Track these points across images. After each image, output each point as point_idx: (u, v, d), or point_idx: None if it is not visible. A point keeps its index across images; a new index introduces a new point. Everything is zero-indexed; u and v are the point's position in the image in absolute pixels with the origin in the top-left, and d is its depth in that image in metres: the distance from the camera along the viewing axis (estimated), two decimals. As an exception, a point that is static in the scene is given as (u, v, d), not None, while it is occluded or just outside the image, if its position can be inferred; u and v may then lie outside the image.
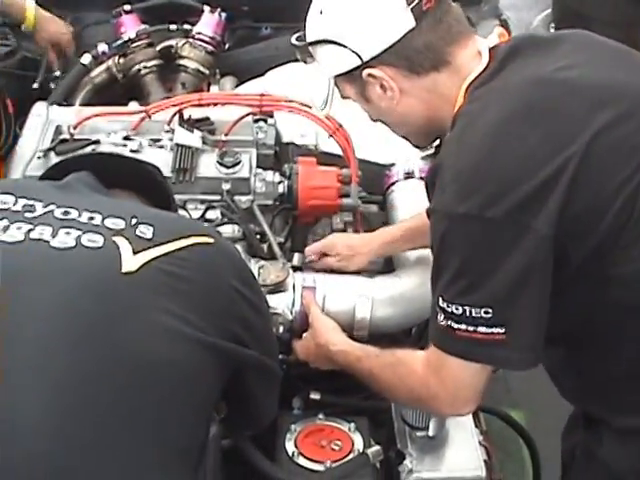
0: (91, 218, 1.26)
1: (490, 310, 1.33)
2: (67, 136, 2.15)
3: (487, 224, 1.31)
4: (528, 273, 1.32)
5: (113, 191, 1.44)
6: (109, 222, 1.26)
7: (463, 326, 1.36)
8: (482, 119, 1.38)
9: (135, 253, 1.23)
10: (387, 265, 2.04)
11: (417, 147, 1.71)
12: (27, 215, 1.25)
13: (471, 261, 1.35)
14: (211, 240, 1.35)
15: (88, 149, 2.10)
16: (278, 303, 1.81)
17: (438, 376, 1.44)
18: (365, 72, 1.49)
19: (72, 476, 1.07)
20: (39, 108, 2.30)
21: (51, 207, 1.27)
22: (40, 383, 1.09)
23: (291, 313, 1.82)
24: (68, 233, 1.22)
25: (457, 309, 1.36)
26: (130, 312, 1.19)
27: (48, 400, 1.09)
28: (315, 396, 1.79)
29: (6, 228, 1.22)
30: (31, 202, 1.28)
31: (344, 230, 2.13)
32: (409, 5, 1.44)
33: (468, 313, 1.35)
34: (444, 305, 1.38)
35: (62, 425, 1.08)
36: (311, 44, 1.56)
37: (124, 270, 1.20)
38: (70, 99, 2.63)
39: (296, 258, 2.02)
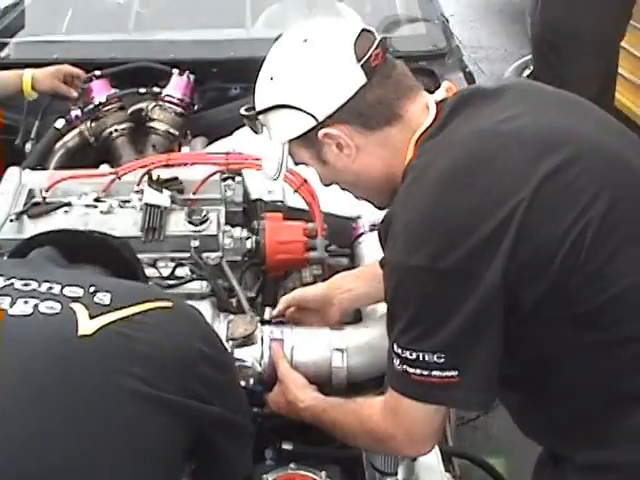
0: (50, 288, 1.30)
1: (443, 355, 1.37)
2: (39, 199, 2.18)
3: (437, 275, 1.35)
4: (479, 320, 1.35)
5: (78, 265, 1.49)
6: (67, 290, 1.30)
7: (418, 370, 1.40)
8: (429, 172, 1.41)
9: (92, 318, 1.26)
10: (355, 315, 2.08)
11: (379, 208, 1.70)
12: None
13: (423, 310, 1.38)
14: (169, 304, 1.38)
15: (70, 212, 2.14)
16: (247, 356, 1.83)
17: (395, 417, 1.48)
18: (321, 132, 1.51)
19: None
20: (11, 173, 2.34)
21: (12, 280, 1.31)
22: None
23: (260, 365, 1.84)
24: (26, 302, 1.26)
25: (411, 355, 1.39)
26: (85, 373, 1.21)
27: (2, 460, 1.11)
28: (287, 446, 1.79)
29: None
30: None
31: (313, 284, 2.17)
32: (359, 62, 1.47)
33: (422, 358, 1.38)
34: (399, 351, 1.41)
35: None
36: (264, 111, 1.56)
37: (80, 333, 1.23)
38: (44, 163, 2.67)
39: (267, 312, 2.05)
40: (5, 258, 1.58)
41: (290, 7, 3.29)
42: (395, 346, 1.42)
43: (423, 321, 1.38)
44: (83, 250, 1.54)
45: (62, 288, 1.30)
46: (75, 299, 1.28)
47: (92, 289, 1.31)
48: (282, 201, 2.31)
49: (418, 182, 1.43)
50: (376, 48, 1.49)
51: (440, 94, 1.56)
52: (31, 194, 2.24)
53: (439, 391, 1.40)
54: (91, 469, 1.16)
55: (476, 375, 1.39)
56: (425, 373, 1.39)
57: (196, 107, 2.86)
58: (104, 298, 1.30)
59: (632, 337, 1.38)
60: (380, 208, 1.69)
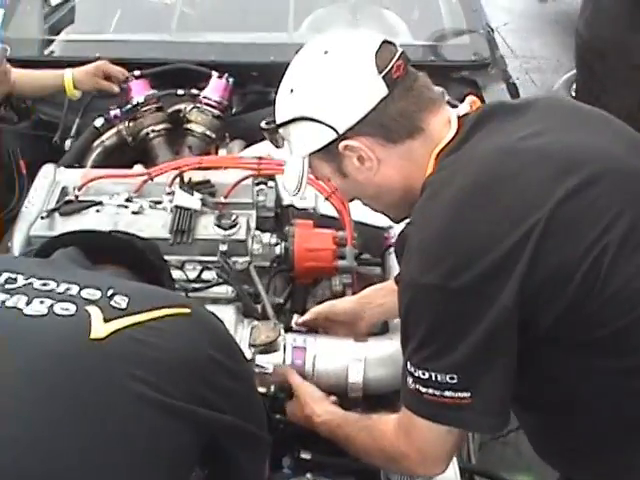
0: (68, 289, 1.30)
1: (455, 376, 1.35)
2: (72, 197, 2.21)
3: (450, 295, 1.32)
4: (492, 341, 1.33)
5: (103, 266, 1.49)
6: (85, 292, 1.30)
7: (430, 390, 1.38)
8: (447, 188, 1.39)
9: (106, 321, 1.25)
10: (382, 327, 2.06)
11: (396, 221, 1.69)
12: (7, 286, 1.29)
13: (435, 330, 1.36)
14: (187, 311, 1.37)
15: (102, 211, 2.17)
16: (269, 363, 1.82)
17: (409, 437, 1.47)
18: (342, 145, 1.49)
19: None
20: (47, 170, 2.37)
21: (31, 279, 1.31)
22: (3, 452, 1.11)
23: (282, 372, 1.83)
24: (42, 302, 1.26)
25: (424, 374, 1.38)
26: (92, 376, 1.20)
27: (5, 461, 1.11)
28: (305, 455, 1.78)
29: None
30: (14, 275, 1.32)
31: (343, 292, 2.14)
32: (380, 73, 1.45)
33: (434, 378, 1.36)
34: (412, 369, 1.40)
35: None
36: (284, 124, 1.54)
37: (92, 337, 1.22)
38: (82, 161, 2.69)
39: (295, 319, 2.03)
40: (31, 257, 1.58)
41: (334, 13, 3.28)
42: (408, 364, 1.41)
43: (435, 341, 1.37)
44: (107, 251, 1.54)
45: (80, 290, 1.30)
46: (91, 302, 1.28)
47: (110, 292, 1.31)
48: (314, 208, 2.31)
49: (435, 198, 1.41)
50: (397, 60, 1.47)
51: (464, 108, 1.54)
52: (64, 192, 2.26)
53: (451, 412, 1.38)
54: (94, 470, 1.15)
55: (489, 397, 1.37)
56: (437, 393, 1.37)
57: (235, 110, 2.86)
58: (121, 302, 1.30)
59: None
60: (396, 221, 1.68)
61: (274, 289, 2.15)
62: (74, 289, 1.29)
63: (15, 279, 1.31)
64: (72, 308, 1.26)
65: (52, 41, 3.11)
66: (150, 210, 2.18)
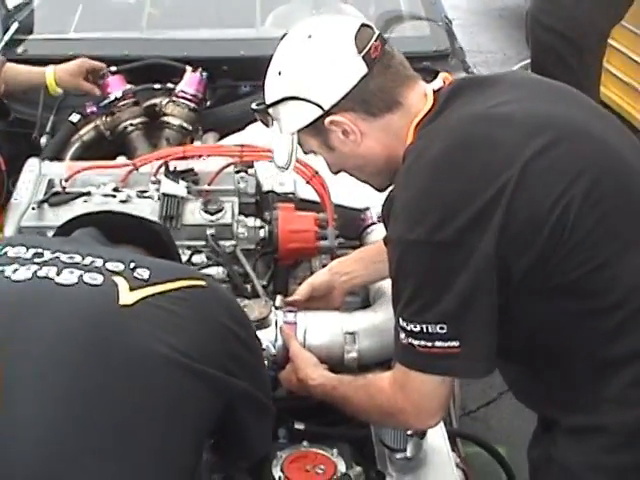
0: (93, 262, 1.38)
1: (444, 326, 1.46)
2: (59, 189, 2.28)
3: (436, 248, 1.45)
4: (476, 290, 1.45)
5: (119, 245, 1.57)
6: (109, 265, 1.38)
7: (422, 342, 1.49)
8: (427, 153, 1.51)
9: (131, 290, 1.34)
10: (363, 302, 2.15)
11: (378, 190, 1.79)
12: (36, 260, 1.37)
13: (424, 282, 1.48)
14: (204, 283, 1.46)
15: (90, 201, 2.23)
16: (261, 339, 1.87)
17: (404, 391, 1.57)
18: (327, 120, 1.60)
19: None
20: (32, 163, 2.43)
21: (58, 254, 1.39)
22: (39, 401, 1.20)
23: (274, 348, 1.90)
24: (72, 272, 1.34)
25: (415, 327, 1.49)
26: (124, 339, 1.29)
27: (46, 417, 1.19)
28: (299, 426, 1.85)
29: (16, 270, 1.34)
30: (40, 250, 1.40)
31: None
32: (360, 53, 1.57)
33: (425, 330, 1.47)
34: (404, 324, 1.51)
35: (59, 440, 1.18)
36: (274, 104, 1.66)
37: (121, 303, 1.31)
38: (60, 156, 2.73)
39: (278, 300, 2.10)
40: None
41: (297, 8, 3.37)
42: (400, 320, 1.52)
43: (425, 293, 1.48)
44: (124, 232, 1.61)
45: (104, 262, 1.38)
46: (116, 273, 1.36)
47: (132, 265, 1.39)
48: (293, 193, 2.40)
49: (416, 163, 1.53)
50: (375, 40, 1.60)
51: (437, 83, 1.67)
52: (51, 184, 2.33)
53: (442, 361, 1.49)
54: (125, 429, 1.23)
55: (476, 344, 1.49)
56: (429, 344, 1.48)
57: (209, 103, 2.93)
58: (143, 273, 1.38)
59: (616, 305, 1.48)
60: (380, 190, 1.78)
61: (257, 272, 2.22)
62: (99, 262, 1.38)
63: (42, 254, 1.39)
64: (100, 278, 1.34)
65: (22, 40, 3.13)
66: (137, 199, 2.25)
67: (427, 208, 1.46)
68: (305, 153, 1.75)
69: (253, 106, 1.72)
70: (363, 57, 1.58)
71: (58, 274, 1.34)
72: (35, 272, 1.34)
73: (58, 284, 1.32)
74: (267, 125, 1.72)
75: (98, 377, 1.24)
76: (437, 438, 1.83)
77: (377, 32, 1.63)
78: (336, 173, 1.78)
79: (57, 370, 1.23)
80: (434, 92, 1.63)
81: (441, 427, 1.83)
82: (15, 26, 3.13)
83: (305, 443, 1.77)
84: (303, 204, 2.34)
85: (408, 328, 1.50)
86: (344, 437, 1.82)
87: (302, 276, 2.26)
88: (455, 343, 1.47)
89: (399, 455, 1.76)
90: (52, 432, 1.18)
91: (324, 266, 2.23)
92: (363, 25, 1.62)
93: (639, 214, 1.51)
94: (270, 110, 1.68)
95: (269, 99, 1.67)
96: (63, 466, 1.17)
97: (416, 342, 1.50)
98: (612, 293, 1.48)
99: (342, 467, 1.71)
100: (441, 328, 1.46)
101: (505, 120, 1.52)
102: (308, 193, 2.34)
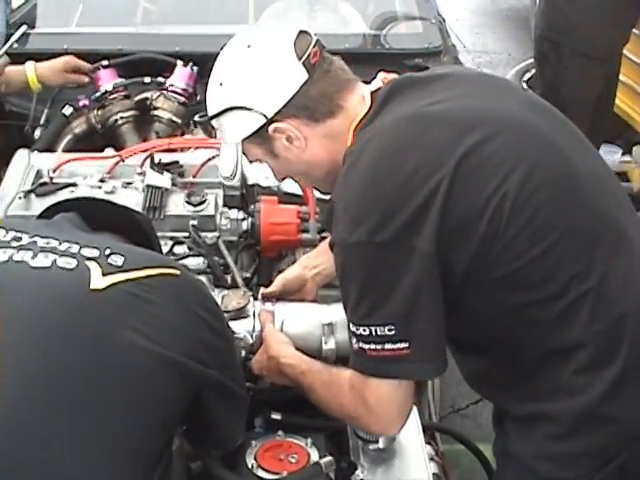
0: (69, 247, 1.41)
1: (392, 327, 1.47)
2: (47, 179, 2.31)
3: (377, 248, 1.46)
4: (420, 289, 1.46)
5: (100, 232, 1.59)
6: (85, 251, 1.41)
7: (372, 345, 1.50)
8: (363, 156, 1.53)
9: (104, 275, 1.37)
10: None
11: (324, 193, 1.81)
12: (13, 244, 1.41)
13: (368, 285, 1.49)
14: (177, 272, 1.49)
15: (76, 192, 2.25)
16: (239, 328, 1.91)
17: (362, 397, 1.57)
18: (271, 128, 1.61)
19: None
20: (21, 154, 2.46)
21: (35, 238, 1.43)
22: (6, 379, 1.23)
23: (252, 338, 1.91)
24: (46, 257, 1.38)
25: (364, 330, 1.50)
26: (94, 324, 1.32)
27: (9, 397, 1.22)
28: (276, 416, 1.86)
29: None
30: (19, 234, 1.44)
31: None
32: (300, 60, 1.59)
33: (374, 333, 1.49)
34: (354, 329, 1.52)
35: (21, 420, 1.21)
36: (217, 115, 1.66)
37: (92, 287, 1.34)
38: (52, 148, 2.76)
39: (262, 292, 2.14)
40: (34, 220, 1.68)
41: (292, 4, 3.38)
42: (351, 325, 1.53)
43: (370, 294, 1.49)
44: (105, 219, 1.64)
45: (80, 248, 1.41)
46: (91, 258, 1.39)
47: (107, 251, 1.42)
48: (278, 186, 2.40)
49: (353, 167, 1.54)
50: (314, 46, 1.61)
51: (376, 84, 1.68)
52: (39, 174, 2.36)
53: (393, 364, 1.50)
54: (91, 412, 1.26)
55: (425, 344, 1.50)
56: (379, 347, 1.49)
57: (199, 98, 2.92)
58: (118, 260, 1.41)
59: (554, 295, 1.50)
60: (326, 193, 1.79)
61: (241, 264, 2.25)
62: (75, 247, 1.41)
63: (20, 238, 1.42)
64: (73, 262, 1.37)
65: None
66: (122, 190, 2.28)
67: (366, 210, 1.48)
68: (250, 162, 1.76)
69: (196, 118, 1.74)
70: (303, 63, 1.59)
71: (33, 258, 1.37)
72: (11, 256, 1.37)
73: (32, 267, 1.36)
74: (211, 136, 1.73)
75: (63, 357, 1.27)
76: (411, 431, 1.83)
77: (315, 38, 1.63)
78: (282, 180, 1.80)
79: (25, 349, 1.27)
80: (372, 93, 1.64)
81: (416, 420, 1.85)
82: (23, 29, 3.13)
83: (280, 433, 1.79)
84: (287, 197, 2.36)
85: (358, 332, 1.51)
86: (320, 428, 1.84)
87: (285, 269, 2.26)
88: (404, 345, 1.48)
89: (372, 446, 1.78)
90: (14, 412, 1.21)
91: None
92: (301, 32, 1.63)
93: (574, 203, 1.53)
94: (213, 121, 1.69)
95: (212, 110, 1.68)
96: (23, 446, 1.20)
97: (366, 346, 1.51)
98: (551, 283, 1.49)
99: (315, 457, 1.73)
100: (389, 330, 1.47)
101: (438, 119, 1.54)
102: (292, 187, 2.35)
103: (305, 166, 1.69)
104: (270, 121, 1.61)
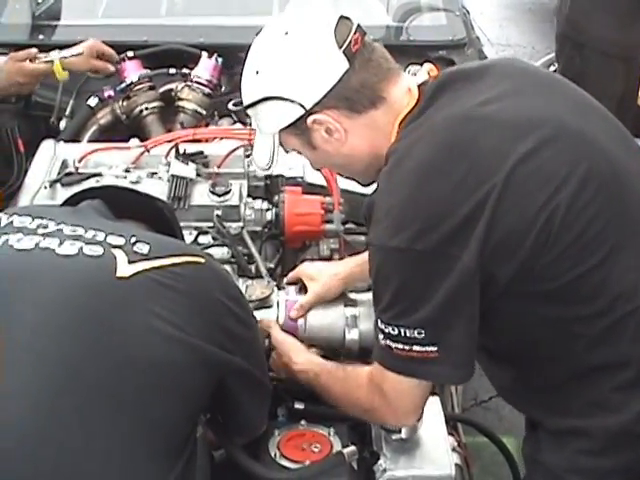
0: (95, 235, 1.42)
1: (423, 331, 1.45)
2: (72, 169, 2.33)
3: (417, 256, 1.43)
4: (456, 299, 1.44)
5: (124, 220, 1.60)
6: (110, 238, 1.42)
7: (400, 345, 1.49)
8: (409, 157, 1.48)
9: (130, 263, 1.38)
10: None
11: (364, 185, 1.76)
12: (40, 231, 1.42)
13: (404, 289, 1.46)
14: (202, 260, 1.50)
15: (101, 182, 2.26)
16: (263, 318, 1.92)
17: (380, 390, 1.57)
18: (310, 119, 1.55)
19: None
20: (47, 145, 2.49)
21: (61, 225, 1.44)
22: (32, 367, 1.24)
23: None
24: (72, 244, 1.39)
25: (393, 330, 1.48)
26: (118, 310, 1.33)
27: (43, 381, 1.23)
28: (299, 406, 1.87)
29: (20, 240, 1.39)
30: (45, 222, 1.45)
31: (330, 257, 2.27)
32: (340, 48, 1.51)
33: (403, 333, 1.47)
34: (382, 327, 1.50)
35: (47, 405, 1.23)
36: (253, 104, 1.60)
37: (118, 275, 1.35)
38: (78, 139, 2.77)
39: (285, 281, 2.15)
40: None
41: (316, -4, 3.37)
42: (379, 322, 1.51)
43: (404, 299, 1.47)
44: (128, 207, 1.64)
45: (106, 236, 1.42)
46: (117, 246, 1.40)
47: (133, 239, 1.43)
48: (302, 177, 2.41)
49: (398, 167, 1.49)
50: (355, 33, 1.53)
51: (422, 76, 1.62)
52: (64, 164, 2.38)
53: (419, 365, 1.49)
54: (119, 398, 1.27)
55: (454, 351, 1.48)
56: (406, 348, 1.48)
57: (224, 89, 2.94)
58: (143, 248, 1.42)
59: (601, 312, 1.47)
60: (365, 185, 1.75)
61: (265, 255, 2.26)
62: (100, 235, 1.42)
63: (47, 225, 1.43)
64: (99, 250, 1.39)
65: (43, 26, 3.18)
66: (147, 180, 2.29)
67: (409, 216, 1.44)
68: (286, 152, 1.70)
69: (230, 106, 1.70)
70: (344, 51, 1.51)
71: (59, 245, 1.38)
72: (37, 243, 1.39)
73: (58, 255, 1.37)
74: (245, 124, 1.70)
75: (89, 344, 1.28)
76: (434, 421, 1.83)
77: (356, 23, 1.56)
78: (318, 170, 1.76)
79: (50, 337, 1.28)
80: (419, 86, 1.58)
81: (439, 411, 1.84)
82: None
83: (303, 422, 1.80)
84: (311, 188, 2.36)
85: (386, 330, 1.50)
86: (343, 418, 1.83)
87: (309, 259, 2.27)
88: (433, 348, 1.47)
89: (394, 436, 1.77)
90: (45, 396, 1.23)
91: (332, 250, 2.27)
92: (342, 17, 1.55)
93: (626, 216, 1.49)
94: (249, 110, 1.63)
95: (247, 99, 1.62)
96: (54, 432, 1.21)
97: (394, 345, 1.50)
98: (598, 300, 1.46)
99: (338, 446, 1.74)
100: (419, 333, 1.46)
101: (491, 121, 1.49)
102: (316, 177, 2.35)
103: (344, 159, 1.64)
104: (308, 112, 1.55)
